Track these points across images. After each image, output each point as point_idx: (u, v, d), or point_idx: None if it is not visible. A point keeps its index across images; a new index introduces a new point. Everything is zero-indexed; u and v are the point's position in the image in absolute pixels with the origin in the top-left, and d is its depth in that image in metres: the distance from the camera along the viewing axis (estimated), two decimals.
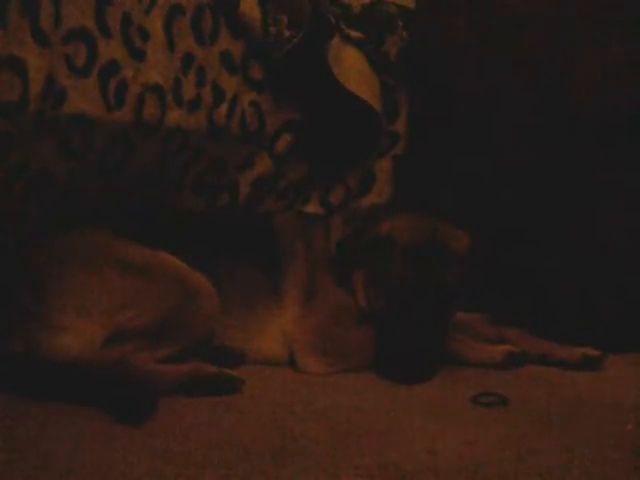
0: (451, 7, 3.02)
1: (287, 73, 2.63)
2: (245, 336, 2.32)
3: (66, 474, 1.45)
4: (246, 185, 2.71)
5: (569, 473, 1.61)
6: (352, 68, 2.69)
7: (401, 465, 1.59)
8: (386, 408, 1.98)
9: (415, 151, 2.98)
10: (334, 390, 2.12)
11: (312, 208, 2.87)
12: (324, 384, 2.17)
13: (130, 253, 2.13)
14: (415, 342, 2.22)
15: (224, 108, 2.51)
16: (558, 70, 2.84)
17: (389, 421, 1.88)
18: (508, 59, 2.92)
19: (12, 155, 2.05)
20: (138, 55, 2.24)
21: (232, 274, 2.33)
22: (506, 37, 2.92)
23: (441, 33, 3.00)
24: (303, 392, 2.08)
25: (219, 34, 2.47)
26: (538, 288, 2.82)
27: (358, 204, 2.93)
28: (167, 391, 1.91)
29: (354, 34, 2.72)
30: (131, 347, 1.99)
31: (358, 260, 2.37)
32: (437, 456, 1.66)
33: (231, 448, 1.63)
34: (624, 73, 2.76)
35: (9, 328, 1.96)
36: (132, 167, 2.35)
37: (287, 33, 2.55)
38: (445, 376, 2.27)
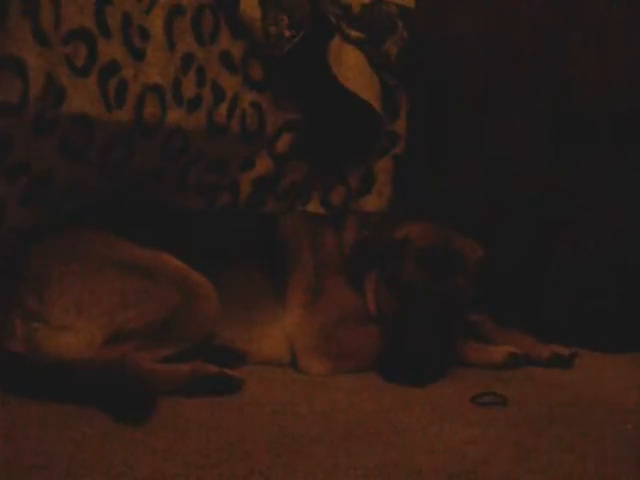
0: (451, 7, 3.02)
1: (287, 73, 2.63)
2: (247, 337, 2.32)
3: (66, 474, 1.45)
4: (247, 185, 2.71)
5: (569, 473, 1.61)
6: (352, 68, 2.69)
7: (401, 465, 1.59)
8: (386, 408, 1.98)
9: (415, 151, 2.98)
10: (334, 390, 2.12)
11: (312, 208, 2.87)
12: (324, 384, 2.17)
13: (130, 253, 2.13)
14: (424, 344, 2.23)
15: (224, 108, 2.51)
16: (558, 71, 2.84)
17: (389, 421, 1.88)
18: (508, 59, 2.92)
19: (12, 155, 2.05)
20: (138, 55, 2.24)
21: (235, 275, 2.33)
22: (506, 37, 2.92)
23: (441, 33, 3.01)
24: (303, 392, 2.08)
25: (219, 34, 2.47)
26: (536, 289, 2.83)
27: (359, 204, 2.93)
28: (167, 391, 1.91)
29: (354, 34, 2.72)
30: (131, 347, 1.99)
31: (372, 262, 2.39)
32: (437, 456, 1.66)
33: (231, 448, 1.63)
34: (624, 74, 2.76)
35: (9, 328, 1.96)
36: (132, 167, 2.35)
37: (287, 33, 2.55)
38: (445, 376, 2.27)
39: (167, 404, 1.84)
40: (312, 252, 2.46)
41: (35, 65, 1.99)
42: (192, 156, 2.50)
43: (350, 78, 2.67)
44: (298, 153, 2.76)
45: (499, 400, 2.05)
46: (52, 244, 2.11)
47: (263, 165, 2.71)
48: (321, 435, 1.74)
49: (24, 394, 1.81)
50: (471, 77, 3.00)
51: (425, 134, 3.01)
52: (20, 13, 1.95)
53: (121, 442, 1.62)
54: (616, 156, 2.77)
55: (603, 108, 2.78)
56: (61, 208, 2.28)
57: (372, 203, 2.93)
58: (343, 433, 1.76)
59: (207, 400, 1.93)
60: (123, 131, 2.26)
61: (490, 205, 2.91)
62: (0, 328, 1.97)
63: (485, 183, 2.95)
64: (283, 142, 2.72)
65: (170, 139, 2.39)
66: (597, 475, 1.61)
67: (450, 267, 2.32)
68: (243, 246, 2.43)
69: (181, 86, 2.37)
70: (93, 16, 2.13)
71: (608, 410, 2.04)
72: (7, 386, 1.84)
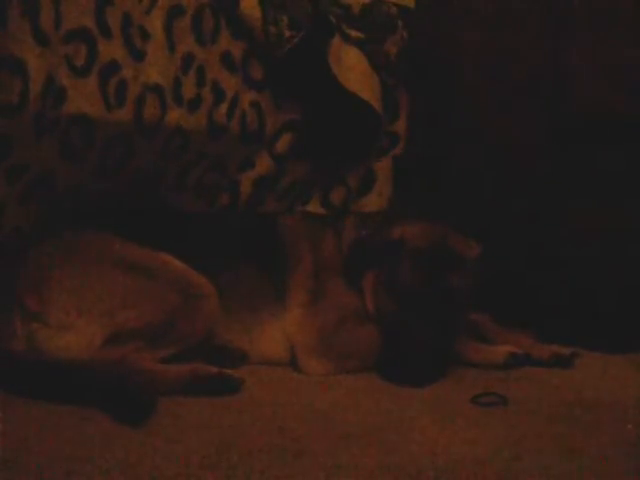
0: (451, 7, 3.02)
1: (287, 73, 2.62)
2: (247, 337, 2.32)
3: (66, 474, 1.45)
4: (247, 185, 2.71)
5: (569, 473, 1.61)
6: (352, 68, 2.69)
7: (401, 465, 1.59)
8: (386, 408, 1.98)
9: (415, 151, 2.98)
10: (334, 390, 2.12)
11: (312, 208, 2.87)
12: (324, 384, 2.17)
13: (131, 253, 2.13)
14: (422, 344, 2.22)
15: (224, 108, 2.51)
16: (558, 70, 2.84)
17: (389, 421, 1.88)
18: (508, 59, 2.92)
19: (12, 155, 2.05)
20: (138, 55, 2.24)
21: (235, 275, 2.33)
22: (506, 37, 2.92)
23: (441, 33, 3.01)
24: (303, 392, 2.08)
25: (219, 34, 2.47)
26: (536, 288, 2.82)
27: (359, 204, 2.93)
28: (167, 391, 1.91)
29: (354, 34, 2.72)
30: (131, 347, 1.99)
31: (369, 263, 2.39)
32: (437, 456, 1.66)
33: (231, 448, 1.63)
34: (625, 74, 2.76)
35: (9, 328, 1.96)
36: (132, 167, 2.35)
37: (287, 33, 2.54)
38: (445, 376, 2.27)
39: (167, 404, 1.84)
40: (312, 253, 2.46)
41: (35, 65, 1.99)
42: (192, 156, 2.50)
43: (350, 78, 2.67)
44: (298, 153, 2.76)
45: (499, 400, 2.05)
46: (52, 244, 2.11)
47: (263, 165, 2.71)
48: (321, 435, 1.74)
49: (24, 394, 1.81)
50: (471, 77, 3.00)
51: (425, 134, 3.00)
52: (20, 13, 1.95)
53: (121, 442, 1.62)
54: (616, 156, 2.76)
55: (603, 108, 2.78)
56: (61, 208, 2.28)
57: (372, 203, 2.93)
58: (343, 433, 1.76)
59: (207, 400, 1.93)
60: (123, 131, 2.25)
61: (489, 205, 2.91)
62: (0, 328, 1.97)
63: (485, 183, 2.95)
64: (283, 142, 2.72)
65: (170, 139, 2.39)
66: (597, 475, 1.61)
67: (447, 266, 2.31)
68: (243, 246, 2.43)
69: (181, 86, 2.37)
70: (93, 16, 2.13)
71: (608, 410, 2.04)
72: (7, 386, 1.84)
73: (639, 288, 2.75)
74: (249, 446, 1.64)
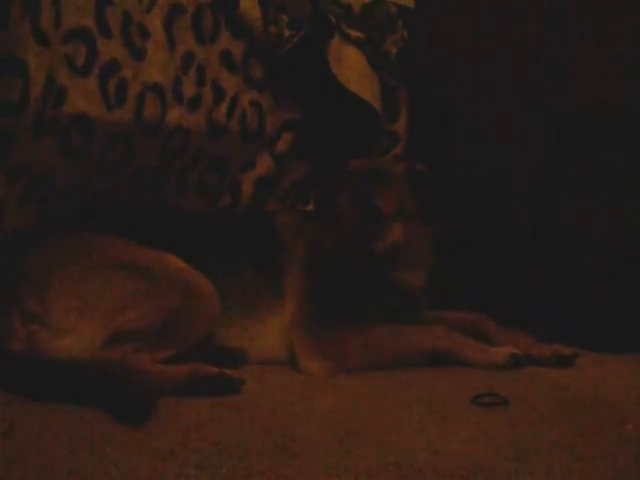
0: (451, 7, 3.02)
1: (287, 73, 2.63)
2: (247, 337, 2.32)
3: (66, 474, 1.45)
4: (248, 185, 2.71)
5: (569, 473, 1.61)
6: (352, 68, 2.69)
7: (401, 465, 1.59)
8: (386, 408, 1.98)
9: (415, 151, 2.98)
10: (334, 390, 2.12)
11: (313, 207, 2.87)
12: (324, 384, 2.17)
13: (131, 254, 2.12)
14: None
15: (224, 107, 2.51)
16: (557, 70, 2.84)
17: (389, 421, 1.88)
18: (508, 59, 2.92)
19: (13, 155, 2.05)
20: (138, 54, 2.24)
21: (234, 274, 2.33)
22: (506, 37, 2.92)
23: (441, 33, 3.01)
24: (303, 392, 2.08)
25: (219, 33, 2.47)
26: (535, 288, 2.82)
27: None
28: (167, 392, 1.91)
29: (354, 34, 2.72)
30: (131, 348, 1.99)
31: None
32: (437, 456, 1.66)
33: (231, 448, 1.63)
34: (624, 73, 2.77)
35: (9, 328, 1.96)
36: (132, 167, 2.35)
37: (287, 33, 2.55)
38: (445, 376, 2.27)
39: (167, 405, 1.84)
40: (310, 251, 2.45)
41: (35, 65, 1.99)
42: (192, 156, 2.50)
43: (350, 78, 2.67)
44: (298, 153, 2.76)
45: (499, 400, 2.05)
46: (52, 245, 2.11)
47: (264, 165, 2.71)
48: (321, 435, 1.74)
49: (24, 394, 1.81)
50: (471, 77, 3.00)
51: (425, 134, 3.01)
52: (21, 13, 1.95)
53: (121, 442, 1.62)
54: (616, 156, 2.76)
55: (603, 107, 2.78)
56: (61, 209, 2.28)
57: None
58: (343, 433, 1.76)
59: (207, 400, 1.93)
60: (123, 131, 2.26)
61: (489, 205, 2.91)
62: (0, 328, 1.97)
63: (485, 183, 2.95)
64: (284, 142, 2.72)
65: (170, 138, 2.39)
66: (597, 475, 1.61)
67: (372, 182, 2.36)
68: (242, 245, 2.43)
69: (181, 85, 2.37)
70: (93, 16, 2.13)
71: (608, 410, 2.04)
72: (7, 386, 1.84)
73: (639, 288, 2.75)
74: (249, 446, 1.64)
